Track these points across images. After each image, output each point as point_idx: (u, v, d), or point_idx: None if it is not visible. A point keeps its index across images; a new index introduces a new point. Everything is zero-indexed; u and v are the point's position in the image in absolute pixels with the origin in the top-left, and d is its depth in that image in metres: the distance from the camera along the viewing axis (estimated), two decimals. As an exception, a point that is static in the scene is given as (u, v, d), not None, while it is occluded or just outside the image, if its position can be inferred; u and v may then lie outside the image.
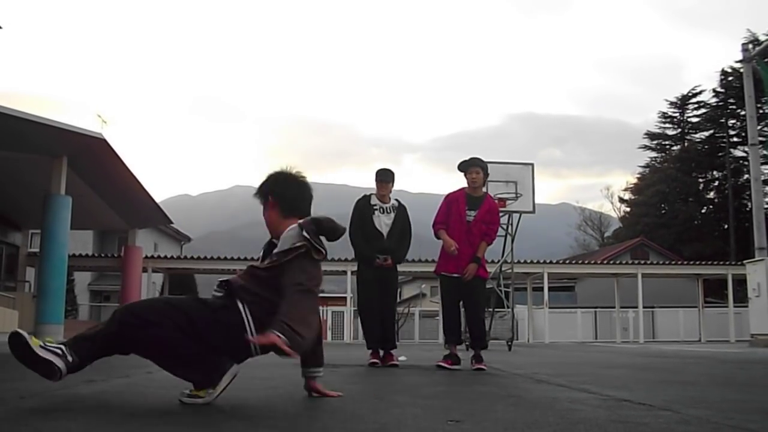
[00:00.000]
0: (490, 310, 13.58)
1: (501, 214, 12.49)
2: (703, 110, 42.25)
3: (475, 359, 5.20)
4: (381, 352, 5.73)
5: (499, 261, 13.26)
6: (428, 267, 17.14)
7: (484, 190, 5.57)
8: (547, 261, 24.47)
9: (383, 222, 5.80)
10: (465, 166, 5.50)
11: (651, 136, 44.42)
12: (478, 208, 5.33)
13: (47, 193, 14.75)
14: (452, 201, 5.44)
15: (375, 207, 5.85)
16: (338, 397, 2.82)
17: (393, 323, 5.96)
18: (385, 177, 5.89)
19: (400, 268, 6.08)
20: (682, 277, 26.22)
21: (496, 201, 11.91)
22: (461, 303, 5.51)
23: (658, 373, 5.20)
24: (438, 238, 5.43)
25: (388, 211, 5.85)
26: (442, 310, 5.56)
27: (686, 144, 42.94)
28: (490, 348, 11.98)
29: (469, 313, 5.51)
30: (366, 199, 5.94)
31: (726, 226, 38.52)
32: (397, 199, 5.98)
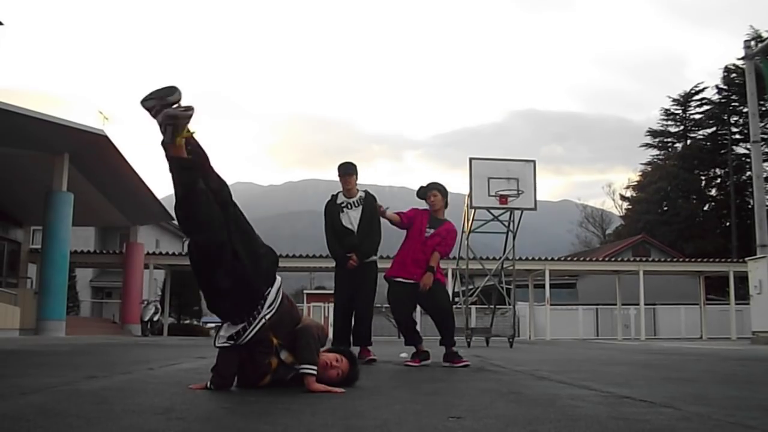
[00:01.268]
0: (492, 307, 13.60)
1: (503, 211, 12.58)
2: (705, 107, 42.08)
3: (454, 356, 5.18)
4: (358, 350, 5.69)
5: (500, 258, 13.26)
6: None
7: (445, 216, 5.60)
8: (549, 258, 24.46)
9: (351, 217, 5.79)
10: (423, 192, 5.62)
11: (653, 133, 44.27)
12: (436, 227, 5.44)
13: (49, 189, 14.78)
14: (417, 213, 5.52)
15: (342, 204, 5.84)
16: (340, 394, 2.82)
17: (368, 320, 5.89)
18: (346, 171, 5.84)
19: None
20: (684, 274, 26.19)
21: (503, 198, 11.99)
22: (426, 309, 5.52)
23: (659, 370, 5.20)
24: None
25: (356, 205, 5.82)
26: (395, 315, 5.57)
27: (689, 142, 42.82)
28: (491, 345, 12.04)
29: (435, 317, 5.48)
30: (333, 199, 5.93)
31: (728, 224, 38.43)
32: (365, 191, 5.94)
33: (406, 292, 5.38)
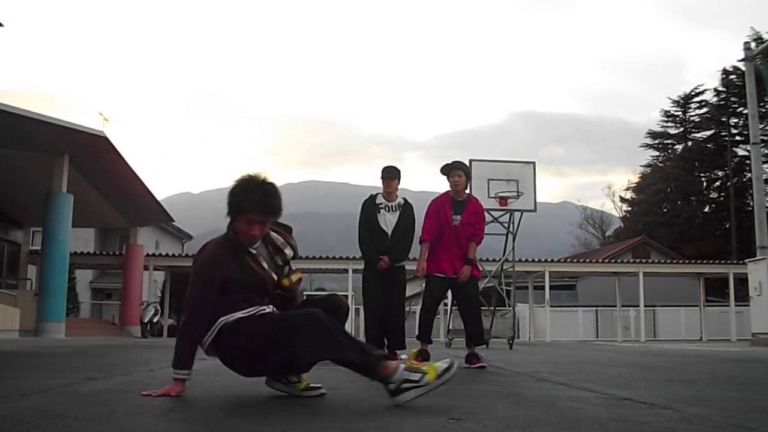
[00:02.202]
0: (492, 308, 13.59)
1: (503, 212, 12.57)
2: (705, 109, 42.11)
3: (473, 357, 5.22)
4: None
5: (500, 259, 13.25)
6: (429, 265, 17.05)
7: (467, 192, 5.65)
8: (549, 259, 24.45)
9: (388, 220, 5.87)
10: (447, 170, 5.60)
11: (653, 135, 44.31)
12: (462, 211, 5.47)
13: (49, 191, 14.78)
14: (440, 206, 5.51)
15: (380, 206, 5.92)
16: (339, 395, 2.81)
17: (401, 323, 5.95)
18: (389, 174, 5.94)
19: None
20: (684, 276, 26.19)
21: (503, 200, 11.99)
22: (457, 302, 5.56)
23: (659, 371, 5.20)
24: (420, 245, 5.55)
25: (394, 209, 5.90)
26: (422, 310, 5.61)
27: (689, 143, 42.82)
28: (491, 347, 12.03)
29: (465, 312, 5.53)
30: (372, 198, 6.01)
31: (727, 225, 38.43)
32: (404, 198, 6.04)
33: (440, 286, 5.48)
